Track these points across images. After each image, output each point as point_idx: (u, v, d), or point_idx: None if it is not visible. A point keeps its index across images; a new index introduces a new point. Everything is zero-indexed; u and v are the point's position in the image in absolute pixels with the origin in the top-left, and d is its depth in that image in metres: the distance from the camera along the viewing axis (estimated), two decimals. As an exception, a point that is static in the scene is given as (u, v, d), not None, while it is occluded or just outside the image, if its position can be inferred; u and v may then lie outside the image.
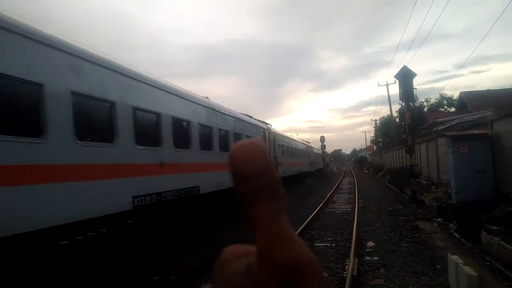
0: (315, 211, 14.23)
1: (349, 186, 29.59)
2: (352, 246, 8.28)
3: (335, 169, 75.14)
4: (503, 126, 10.04)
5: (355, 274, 6.62)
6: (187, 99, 10.80)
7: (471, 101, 34.45)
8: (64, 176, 5.91)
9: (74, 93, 6.28)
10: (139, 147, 8.05)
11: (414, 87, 18.81)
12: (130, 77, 8.04)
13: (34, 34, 5.54)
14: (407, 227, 11.14)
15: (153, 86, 8.92)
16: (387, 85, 44.02)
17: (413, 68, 18.34)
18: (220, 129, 13.03)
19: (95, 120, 7.04)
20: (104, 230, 7.02)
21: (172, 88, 10.03)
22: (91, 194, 6.48)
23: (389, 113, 48.40)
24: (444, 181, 15.38)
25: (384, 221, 12.29)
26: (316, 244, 9.39)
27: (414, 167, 18.52)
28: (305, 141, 40.39)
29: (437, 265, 7.13)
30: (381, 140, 61.77)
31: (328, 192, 22.36)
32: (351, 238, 9.22)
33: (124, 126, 7.59)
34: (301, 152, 34.02)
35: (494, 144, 10.43)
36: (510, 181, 9.58)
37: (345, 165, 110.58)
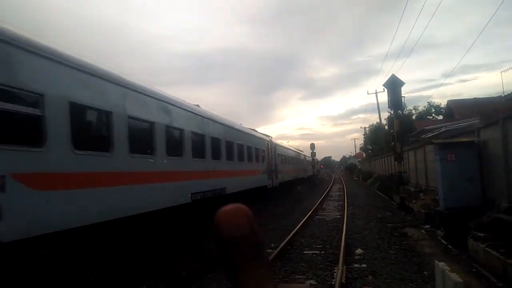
0: (305, 218, 14.22)
1: (339, 193, 29.68)
2: (341, 254, 8.27)
3: (325, 177, 75.30)
4: (489, 134, 10.18)
5: (344, 281, 6.62)
6: (220, 123, 14.34)
7: (458, 109, 34.95)
8: (156, 180, 8.87)
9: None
10: (194, 159, 11.22)
11: (402, 95, 18.98)
12: (201, 115, 12.32)
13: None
14: (396, 234, 11.18)
15: (202, 116, 12.49)
16: (376, 93, 44.53)
17: (401, 76, 18.67)
18: (238, 144, 16.24)
19: (175, 142, 10.16)
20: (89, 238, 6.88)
21: (210, 114, 13.52)
22: (172, 190, 9.64)
23: (378, 121, 48.89)
24: (432, 188, 15.51)
25: (372, 228, 12.33)
26: (305, 252, 9.36)
27: (403, 174, 18.64)
28: (299, 150, 42.50)
29: (425, 272, 7.16)
30: (370, 147, 62.18)
31: (318, 199, 22.38)
32: (340, 246, 9.21)
33: (188, 145, 10.82)
34: (296, 160, 37.07)
35: (481, 152, 10.56)
36: (496, 188, 9.69)
37: (335, 172, 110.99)
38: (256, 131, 22.30)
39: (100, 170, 6.89)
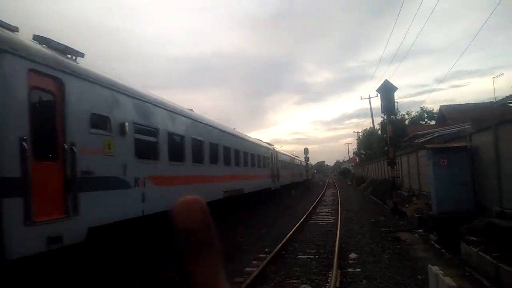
0: (298, 223, 14.22)
1: (332, 198, 29.74)
2: (335, 258, 8.28)
3: (319, 181, 75.38)
4: (481, 139, 10.29)
5: (338, 286, 6.62)
6: (239, 137, 18.84)
7: (450, 115, 35.26)
8: (205, 181, 12.78)
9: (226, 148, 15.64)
10: (225, 166, 15.34)
11: (395, 100, 19.18)
12: (228, 132, 16.85)
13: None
14: (389, 238, 11.22)
15: (229, 133, 16.85)
16: (369, 98, 44.79)
17: (394, 82, 18.87)
18: (251, 154, 20.50)
19: (213, 154, 13.90)
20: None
21: (234, 132, 18.36)
22: (214, 188, 13.62)
23: (371, 126, 49.18)
24: (425, 192, 15.61)
25: (366, 233, 12.36)
26: (299, 257, 9.35)
27: (396, 179, 18.76)
28: (295, 156, 45.36)
29: (418, 276, 7.18)
30: (364, 152, 62.47)
31: (311, 204, 22.40)
32: (334, 250, 9.22)
33: (220, 156, 14.84)
34: (293, 165, 40.98)
35: (473, 157, 10.66)
36: (488, 193, 9.78)
37: (328, 177, 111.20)
38: (262, 141, 26.43)
39: (178, 174, 10.68)
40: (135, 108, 8.53)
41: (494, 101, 25.79)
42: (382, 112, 19.48)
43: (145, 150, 8.89)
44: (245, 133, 21.64)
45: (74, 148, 6.29)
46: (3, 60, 5.11)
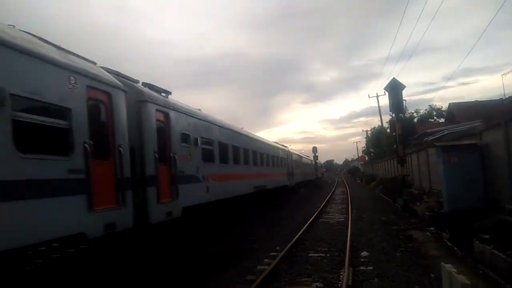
0: (309, 221, 14.26)
1: (342, 196, 29.70)
2: (347, 256, 8.30)
3: (328, 180, 75.16)
4: (492, 136, 10.23)
5: (350, 284, 6.65)
6: (263, 142, 23.04)
7: (459, 112, 35.01)
8: (242, 178, 16.82)
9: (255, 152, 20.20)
10: (253, 166, 19.20)
11: (403, 98, 19.05)
12: (256, 139, 21.42)
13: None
14: (400, 236, 11.21)
15: (257, 139, 21.38)
16: (377, 96, 44.61)
17: (402, 80, 18.85)
18: (272, 155, 24.27)
19: (246, 157, 17.82)
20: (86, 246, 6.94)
21: (260, 138, 22.84)
22: (248, 184, 17.72)
23: (380, 124, 48.93)
24: (435, 190, 15.54)
25: (377, 231, 12.35)
26: (310, 255, 9.38)
27: (406, 177, 18.67)
28: (306, 156, 47.47)
29: (431, 274, 7.18)
30: (373, 150, 62.19)
31: (322, 203, 22.41)
32: (345, 248, 9.25)
33: (251, 158, 18.82)
34: (305, 165, 44.33)
35: (483, 154, 10.60)
36: (500, 190, 9.72)
37: (338, 175, 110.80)
38: (279, 144, 29.65)
39: (225, 172, 14.17)
40: (201, 127, 12.13)
41: (504, 98, 25.54)
42: (390, 110, 19.40)
43: (207, 156, 12.43)
44: (253, 133, 23.05)
45: (175, 156, 9.78)
46: (146, 106, 8.75)
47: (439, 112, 50.83)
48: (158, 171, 8.85)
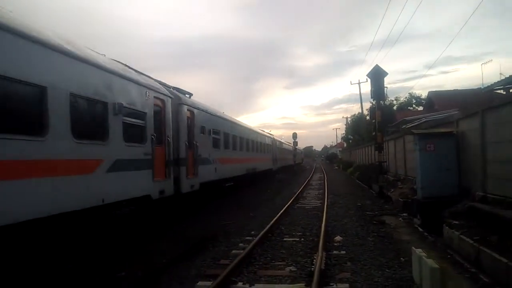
0: (285, 206, 14.32)
1: (319, 182, 30.01)
2: (321, 241, 8.34)
3: (306, 166, 75.94)
4: (468, 125, 10.40)
5: (323, 267, 6.69)
6: (255, 131, 26.91)
7: (438, 101, 35.60)
8: (236, 161, 19.62)
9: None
10: (246, 152, 22.27)
11: (385, 86, 19.19)
12: (251, 130, 26.14)
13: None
14: (374, 221, 11.38)
15: (252, 129, 25.95)
16: (359, 83, 44.94)
17: (384, 67, 18.79)
18: (260, 142, 27.85)
19: (241, 143, 21.15)
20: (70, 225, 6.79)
21: (255, 128, 28.25)
22: (242, 167, 20.88)
23: (360, 111, 49.41)
24: (410, 177, 15.83)
25: (352, 216, 12.52)
26: (285, 239, 9.43)
27: (383, 163, 18.94)
28: (288, 143, 49.45)
29: (402, 258, 7.31)
30: (352, 137, 62.93)
31: (299, 188, 22.59)
32: (320, 233, 9.31)
33: (245, 144, 21.94)
34: (287, 151, 47.42)
35: (459, 142, 10.78)
36: (473, 178, 9.94)
37: (316, 161, 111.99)
38: (265, 131, 34.11)
39: (227, 157, 17.33)
40: (212, 120, 15.37)
41: (482, 87, 26.04)
42: (371, 97, 19.56)
43: (215, 143, 15.72)
44: (235, 117, 24.19)
45: (196, 143, 12.98)
46: (182, 108, 12.00)
47: (419, 100, 51.63)
48: (188, 155, 12.17)
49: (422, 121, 20.33)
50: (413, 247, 6.14)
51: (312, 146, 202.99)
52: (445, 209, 9.15)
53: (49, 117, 5.94)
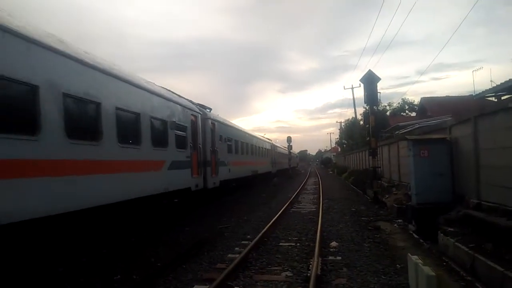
0: (281, 211, 14.33)
1: (314, 186, 30.06)
2: (316, 246, 8.37)
3: (301, 170, 76.02)
4: (461, 131, 10.49)
5: (319, 273, 6.71)
6: (258, 138, 30.75)
7: (431, 107, 35.94)
8: (244, 164, 23.13)
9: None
10: (252, 156, 26.01)
11: (378, 91, 19.29)
12: (257, 138, 30.92)
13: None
14: (369, 227, 11.42)
15: (257, 138, 30.35)
16: (352, 88, 45.20)
17: (377, 72, 18.83)
18: (261, 147, 31.12)
19: (247, 149, 24.68)
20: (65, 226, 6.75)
21: (260, 137, 32.86)
22: (249, 169, 24.86)
23: (354, 116, 49.62)
24: (404, 183, 15.90)
25: (347, 222, 12.55)
26: (281, 244, 9.43)
27: (377, 169, 19.01)
28: (284, 147, 51.90)
29: (397, 265, 7.34)
30: (346, 142, 63.15)
31: (293, 193, 22.61)
32: (315, 238, 9.33)
33: (250, 149, 25.80)
34: (283, 155, 50.05)
35: (452, 148, 10.87)
36: (466, 184, 10.02)
37: (310, 165, 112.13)
38: (265, 137, 37.16)
39: (237, 160, 20.73)
40: (227, 130, 18.83)
41: (474, 94, 26.33)
42: (365, 102, 19.61)
43: (229, 149, 19.12)
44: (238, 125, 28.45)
45: (217, 149, 16.09)
46: (208, 121, 15.31)
47: (411, 106, 52.04)
48: (211, 158, 15.55)
49: (416, 127, 20.50)
50: (409, 254, 6.17)
51: (306, 150, 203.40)
52: (439, 216, 9.21)
53: (142, 133, 9.51)
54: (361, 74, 20.01)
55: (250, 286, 6.40)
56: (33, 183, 5.78)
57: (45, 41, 6.32)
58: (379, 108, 41.67)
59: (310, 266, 7.19)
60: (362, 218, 13.18)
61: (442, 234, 8.24)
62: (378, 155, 19.61)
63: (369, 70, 19.19)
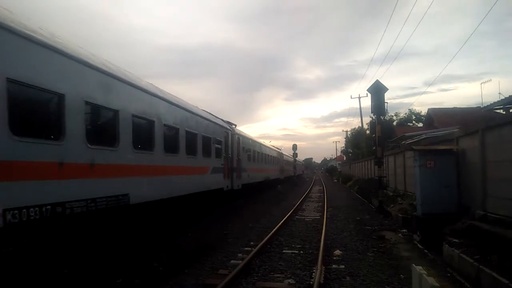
0: (285, 218, 14.30)
1: (319, 194, 29.95)
2: (320, 254, 8.33)
3: (306, 178, 75.80)
4: (468, 143, 10.43)
5: (322, 282, 6.67)
6: (269, 147, 33.99)
7: (438, 117, 35.72)
8: (259, 171, 27.16)
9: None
10: (265, 164, 29.88)
11: (385, 101, 19.31)
12: (275, 149, 39.54)
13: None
14: (374, 236, 11.35)
15: (272, 149, 36.88)
16: (359, 98, 45.05)
17: (384, 83, 18.98)
18: (272, 156, 34.83)
19: (266, 159, 31.15)
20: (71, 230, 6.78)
21: (267, 144, 34.32)
22: (262, 175, 28.15)
23: (360, 125, 49.47)
24: (410, 193, 15.81)
25: (351, 230, 12.48)
26: (284, 251, 9.40)
27: (382, 178, 18.94)
28: (290, 156, 53.55)
29: (401, 275, 7.29)
30: (351, 151, 62.95)
31: (298, 200, 22.55)
32: (319, 246, 9.29)
33: (268, 159, 31.96)
34: (290, 163, 53.20)
35: (459, 160, 10.81)
36: (472, 196, 9.94)
37: (316, 173, 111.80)
38: (274, 147, 41.61)
39: (254, 167, 24.51)
40: (247, 142, 22.26)
41: (482, 106, 26.18)
42: (372, 112, 19.65)
43: (248, 157, 22.35)
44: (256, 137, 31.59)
45: (240, 158, 19.78)
46: (235, 136, 19.04)
47: (418, 116, 51.81)
48: (236, 165, 18.91)
49: (422, 137, 20.37)
50: (413, 264, 6.12)
51: (312, 158, 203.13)
52: (444, 226, 9.13)
53: (198, 146, 13.01)
54: (369, 84, 20.12)
55: (252, 292, 6.38)
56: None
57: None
58: (385, 118, 41.59)
59: (313, 274, 7.16)
60: (367, 227, 13.10)
61: (447, 245, 8.16)
62: (384, 165, 19.55)
63: (377, 80, 19.27)
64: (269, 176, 31.80)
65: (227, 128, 17.60)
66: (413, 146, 13.85)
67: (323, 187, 37.61)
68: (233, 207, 17.73)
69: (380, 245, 10.20)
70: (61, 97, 6.09)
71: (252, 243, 10.15)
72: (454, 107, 41.60)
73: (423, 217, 10.51)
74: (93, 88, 7.01)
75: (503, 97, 17.92)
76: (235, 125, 20.08)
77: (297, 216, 16.16)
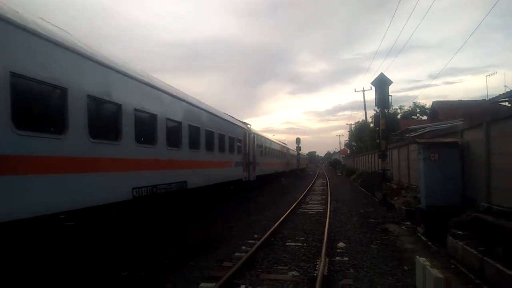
0: (288, 211, 14.33)
1: (322, 187, 29.97)
2: (324, 246, 8.36)
3: (309, 171, 75.85)
4: (473, 136, 10.39)
5: (326, 273, 6.70)
6: (277, 142, 37.95)
7: (442, 110, 35.49)
8: (271, 165, 31.34)
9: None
10: (275, 158, 34.34)
11: (389, 94, 19.16)
12: (289, 148, 48.74)
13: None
14: (377, 229, 11.37)
15: (285, 146, 44.00)
16: (363, 91, 44.91)
17: (389, 75, 18.75)
18: (280, 151, 37.96)
19: (277, 155, 36.53)
20: (74, 223, 6.83)
21: (277, 141, 39.44)
22: (274, 168, 33.36)
23: (364, 118, 49.33)
24: (413, 186, 15.79)
25: (355, 223, 12.51)
26: (288, 244, 9.44)
27: (386, 171, 18.90)
28: (295, 150, 54.60)
29: (405, 267, 7.31)
30: (355, 144, 62.80)
31: (301, 193, 22.58)
32: (323, 239, 9.32)
33: (275, 154, 34.70)
34: (295, 157, 55.57)
35: (463, 153, 10.77)
36: (477, 188, 9.92)
37: (319, 167, 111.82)
38: (282, 142, 43.62)
39: (266, 161, 28.37)
40: (260, 139, 25.89)
41: (487, 99, 25.99)
42: (376, 105, 19.51)
43: (261, 152, 25.44)
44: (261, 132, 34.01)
45: (254, 153, 23.08)
46: (251, 135, 22.39)
47: (423, 109, 51.42)
48: (252, 159, 21.67)
49: (426, 130, 20.26)
50: (417, 256, 6.14)
51: (315, 152, 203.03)
52: (448, 219, 9.13)
53: (226, 145, 16.21)
54: (373, 77, 20.03)
55: (256, 284, 6.42)
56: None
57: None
58: (390, 111, 41.38)
59: (317, 266, 7.19)
60: (370, 220, 13.12)
61: (451, 237, 8.17)
62: (388, 158, 19.49)
63: (381, 73, 19.10)
64: (277, 169, 35.34)
65: (244, 128, 20.91)
66: (417, 139, 13.81)
67: (327, 181, 37.62)
68: (242, 199, 19.03)
69: (383, 237, 10.22)
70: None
71: (256, 235, 10.20)
72: (459, 100, 41.32)
73: (427, 210, 10.51)
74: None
75: (509, 90, 17.80)
76: (250, 125, 23.16)
77: (300, 209, 16.20)
